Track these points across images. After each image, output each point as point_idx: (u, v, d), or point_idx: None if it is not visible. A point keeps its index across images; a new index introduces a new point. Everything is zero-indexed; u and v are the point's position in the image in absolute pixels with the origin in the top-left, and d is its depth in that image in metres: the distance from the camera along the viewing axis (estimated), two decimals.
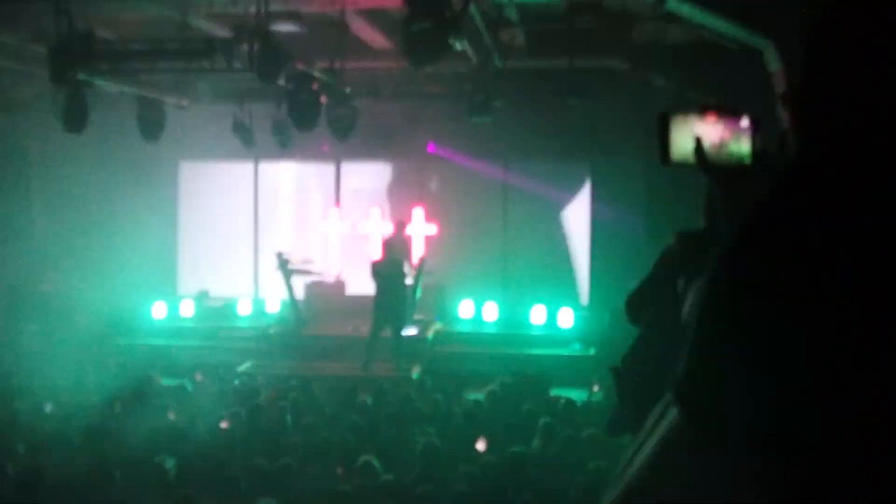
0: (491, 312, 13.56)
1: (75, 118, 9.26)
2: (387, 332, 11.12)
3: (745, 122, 1.53)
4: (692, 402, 0.94)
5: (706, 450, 0.93)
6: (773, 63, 6.78)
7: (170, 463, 5.86)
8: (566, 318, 13.05)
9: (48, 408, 8.09)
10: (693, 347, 0.95)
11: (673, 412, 0.97)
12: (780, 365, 0.88)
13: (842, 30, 1.01)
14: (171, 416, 7.81)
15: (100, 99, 10.72)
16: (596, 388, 9.65)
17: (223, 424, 7.73)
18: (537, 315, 13.15)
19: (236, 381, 10.10)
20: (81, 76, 8.85)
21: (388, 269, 11.10)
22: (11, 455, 6.06)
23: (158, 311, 13.70)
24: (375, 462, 5.99)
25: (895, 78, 0.96)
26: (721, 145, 1.53)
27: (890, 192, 0.90)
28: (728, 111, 1.54)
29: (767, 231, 0.93)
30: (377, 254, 11.68)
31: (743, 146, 1.53)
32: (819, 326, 0.88)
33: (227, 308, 14.10)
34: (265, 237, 15.24)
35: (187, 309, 13.98)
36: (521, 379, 9.93)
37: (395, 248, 11.55)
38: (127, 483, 5.59)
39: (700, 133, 1.52)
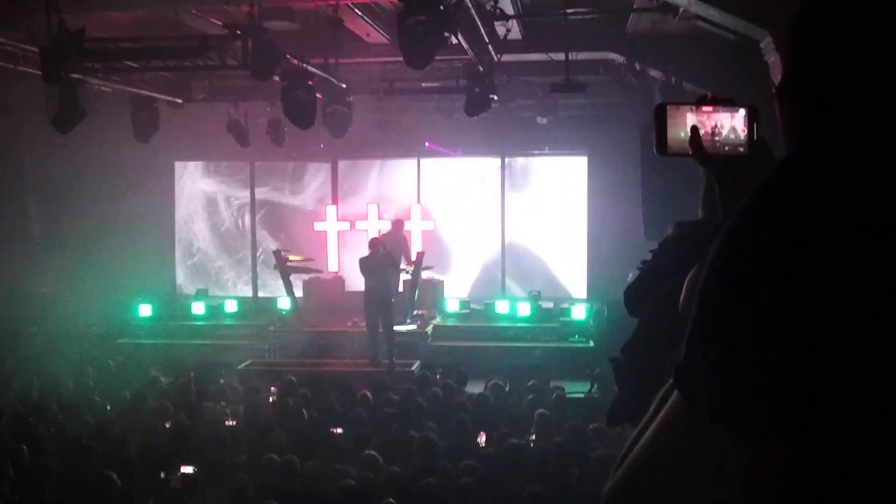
0: (490, 306, 13.55)
1: (69, 119, 9.17)
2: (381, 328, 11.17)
3: (741, 112, 1.53)
4: (692, 384, 0.96)
5: (707, 432, 0.94)
6: (771, 53, 6.76)
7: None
8: (564, 311, 13.06)
9: (49, 409, 8.08)
10: (692, 332, 0.96)
11: (674, 396, 0.98)
12: (777, 348, 0.89)
13: (824, 23, 1.02)
14: (174, 415, 7.80)
15: (93, 99, 10.68)
16: (595, 386, 9.69)
17: (227, 422, 7.74)
18: (536, 308, 13.15)
19: (237, 380, 10.10)
20: (74, 75, 8.81)
21: (377, 265, 11.11)
22: (14, 456, 6.05)
23: (157, 310, 13.68)
24: (378, 456, 6.01)
25: (878, 71, 0.96)
26: (717, 135, 1.52)
27: (881, 182, 0.91)
28: (724, 101, 1.54)
29: (763, 219, 0.94)
30: (368, 250, 11.62)
31: (739, 136, 1.52)
32: (814, 311, 0.88)
33: (226, 306, 14.08)
34: (263, 235, 15.25)
35: (186, 308, 13.97)
36: (520, 372, 9.95)
37: (390, 245, 11.53)
38: (127, 485, 5.59)
39: (696, 123, 1.52)
